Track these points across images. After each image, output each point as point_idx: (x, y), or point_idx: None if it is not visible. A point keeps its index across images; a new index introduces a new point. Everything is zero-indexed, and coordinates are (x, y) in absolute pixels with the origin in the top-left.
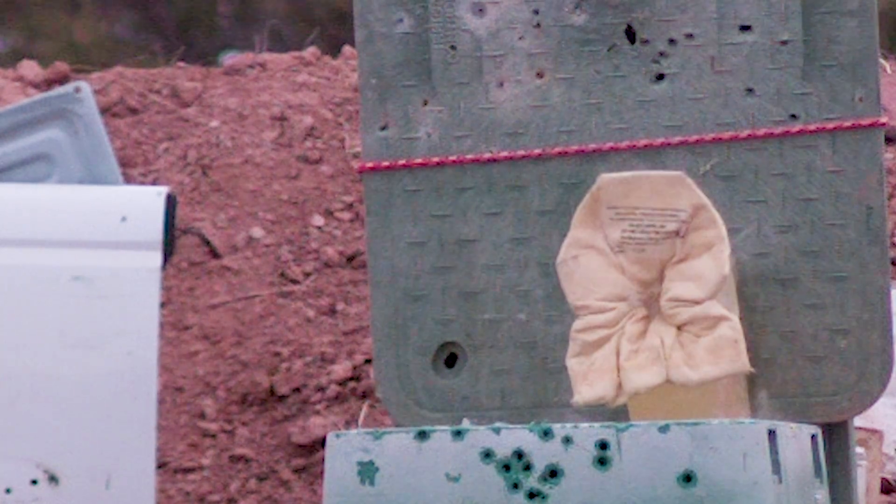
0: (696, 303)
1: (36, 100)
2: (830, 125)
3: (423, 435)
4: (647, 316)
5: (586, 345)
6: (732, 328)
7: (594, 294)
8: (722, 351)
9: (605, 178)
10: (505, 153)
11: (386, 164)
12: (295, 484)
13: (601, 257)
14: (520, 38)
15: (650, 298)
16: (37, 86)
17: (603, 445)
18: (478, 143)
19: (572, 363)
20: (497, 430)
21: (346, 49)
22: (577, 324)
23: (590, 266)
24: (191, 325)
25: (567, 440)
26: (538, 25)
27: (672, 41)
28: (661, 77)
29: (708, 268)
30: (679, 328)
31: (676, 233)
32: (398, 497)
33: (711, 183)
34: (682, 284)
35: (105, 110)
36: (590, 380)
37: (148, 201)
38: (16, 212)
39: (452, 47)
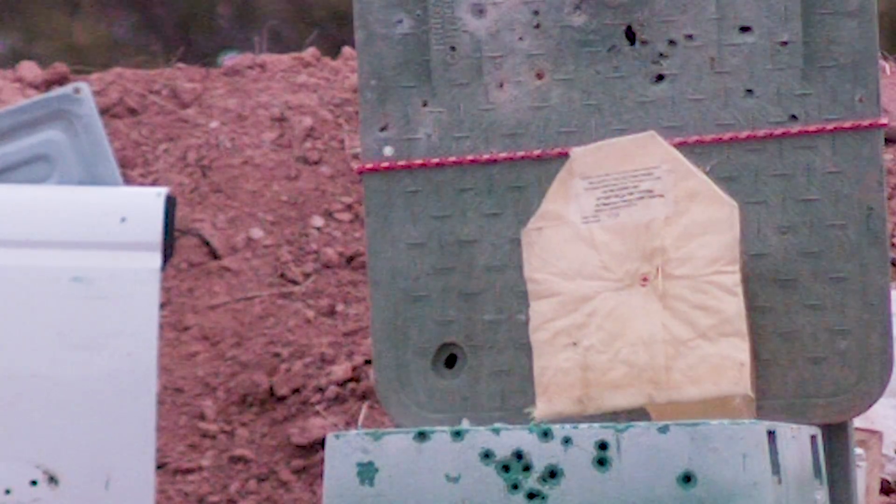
0: (730, 250)
1: (35, 101)
2: (830, 126)
3: (422, 435)
4: (616, 310)
5: (543, 345)
6: (743, 350)
7: (551, 267)
8: (726, 371)
9: (577, 150)
10: (505, 154)
11: (385, 164)
12: (294, 484)
13: (568, 229)
14: (519, 39)
15: (625, 276)
16: (36, 87)
17: (602, 446)
18: (477, 144)
19: (535, 371)
20: (497, 431)
21: (346, 50)
22: (531, 324)
23: (553, 238)
24: (190, 325)
25: (566, 441)
26: (538, 26)
27: (672, 42)
28: (660, 78)
29: (709, 211)
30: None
31: (651, 191)
32: (398, 498)
33: None
34: (699, 241)
35: (104, 111)
36: (549, 394)
37: (147, 202)
38: (16, 213)
39: (452, 48)
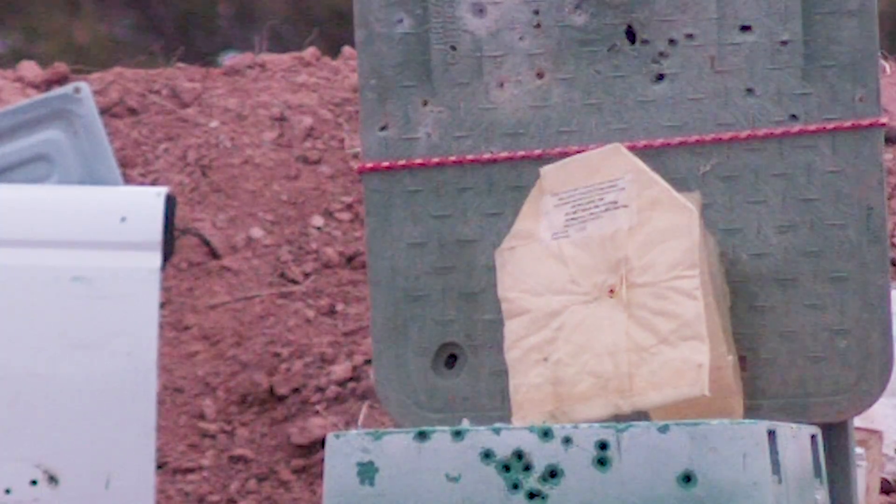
0: (689, 255)
1: (35, 100)
2: (830, 125)
3: (422, 435)
4: (583, 323)
5: (516, 364)
6: (702, 352)
7: (522, 285)
8: (685, 374)
9: (546, 168)
10: (505, 153)
11: (386, 164)
12: (294, 484)
13: (539, 247)
14: (520, 39)
15: (593, 289)
16: (36, 86)
17: (603, 445)
18: (478, 144)
19: (510, 389)
20: (497, 431)
21: (346, 49)
22: (505, 343)
23: (525, 257)
24: (190, 325)
25: (567, 440)
26: (538, 26)
27: (672, 41)
28: (661, 77)
29: (669, 218)
30: (640, 318)
31: (615, 203)
32: (398, 497)
33: (711, 183)
34: (660, 248)
35: (105, 111)
36: (523, 411)
37: (147, 202)
38: (16, 212)
39: (452, 48)
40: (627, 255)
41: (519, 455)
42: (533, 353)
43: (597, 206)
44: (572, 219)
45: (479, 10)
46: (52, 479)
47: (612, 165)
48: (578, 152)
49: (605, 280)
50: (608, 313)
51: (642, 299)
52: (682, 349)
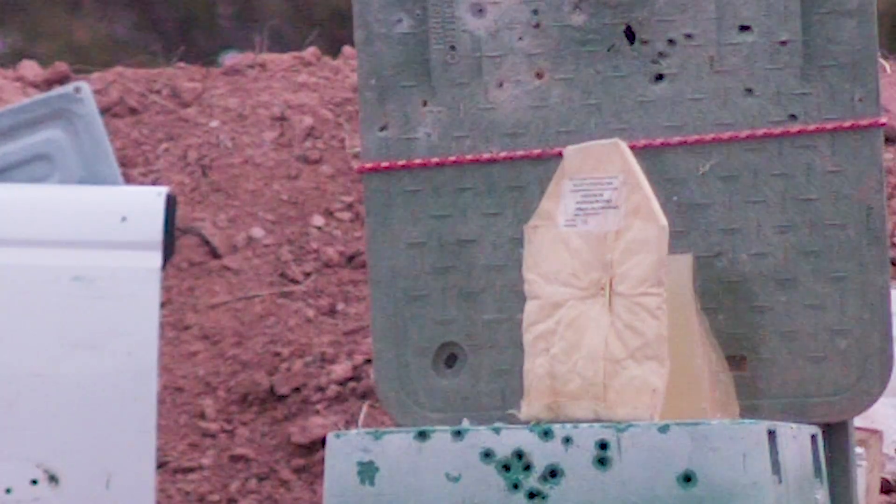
0: (655, 272)
1: (36, 100)
2: (830, 125)
3: (423, 435)
4: (577, 320)
5: (528, 347)
6: (660, 376)
7: (539, 268)
8: (642, 395)
9: (569, 149)
10: (504, 153)
11: (385, 164)
12: (295, 484)
13: (554, 231)
14: (519, 39)
15: (590, 285)
16: (37, 86)
17: (603, 445)
18: (477, 144)
19: (524, 371)
20: (497, 430)
21: (346, 49)
22: (523, 324)
23: (544, 239)
24: (191, 325)
25: (567, 440)
26: (537, 26)
27: (671, 41)
28: (660, 77)
29: (644, 230)
30: (619, 323)
31: (609, 202)
32: (398, 497)
33: (711, 183)
34: (635, 259)
35: (105, 110)
36: (529, 398)
37: (148, 201)
38: (16, 212)
39: (452, 48)
40: (612, 259)
41: (519, 455)
42: (540, 342)
43: (597, 201)
44: (580, 209)
45: (479, 10)
46: (53, 479)
47: (611, 161)
48: None
49: (600, 278)
50: (597, 315)
51: (620, 309)
52: (644, 369)
